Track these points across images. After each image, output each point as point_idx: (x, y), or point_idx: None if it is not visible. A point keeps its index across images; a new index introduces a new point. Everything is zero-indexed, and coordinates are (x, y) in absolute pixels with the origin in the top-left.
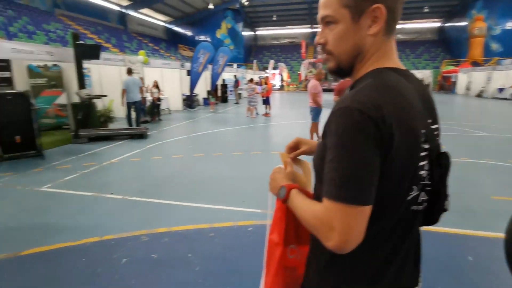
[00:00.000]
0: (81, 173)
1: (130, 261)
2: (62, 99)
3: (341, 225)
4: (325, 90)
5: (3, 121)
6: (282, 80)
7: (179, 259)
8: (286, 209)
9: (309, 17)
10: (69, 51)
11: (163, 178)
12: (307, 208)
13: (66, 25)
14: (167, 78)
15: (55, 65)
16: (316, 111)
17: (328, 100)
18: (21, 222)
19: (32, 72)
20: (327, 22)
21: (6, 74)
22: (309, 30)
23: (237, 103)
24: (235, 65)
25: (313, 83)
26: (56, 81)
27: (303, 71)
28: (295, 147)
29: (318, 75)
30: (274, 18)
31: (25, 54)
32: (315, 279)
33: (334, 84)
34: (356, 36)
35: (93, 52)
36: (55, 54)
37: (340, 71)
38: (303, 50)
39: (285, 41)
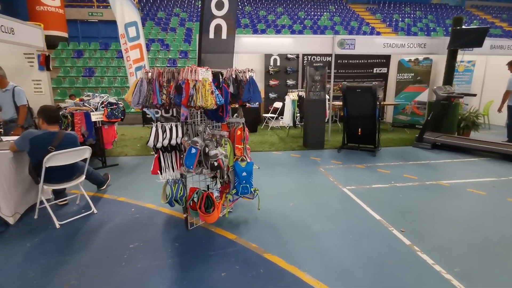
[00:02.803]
0: (389, 185)
1: None
2: (423, 96)
3: None
4: None
5: (351, 112)
6: None
7: None
8: None
9: None
10: (445, 41)
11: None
12: None
13: (472, 16)
14: None
15: (426, 58)
16: None
17: None
18: (293, 218)
19: (402, 66)
20: None
21: (384, 70)
22: None
23: None
24: None
25: None
26: (423, 76)
27: None
28: None
29: None
30: None
31: (395, 48)
32: None
33: None
34: None
35: (474, 39)
36: (428, 46)
37: None
38: None
39: None
